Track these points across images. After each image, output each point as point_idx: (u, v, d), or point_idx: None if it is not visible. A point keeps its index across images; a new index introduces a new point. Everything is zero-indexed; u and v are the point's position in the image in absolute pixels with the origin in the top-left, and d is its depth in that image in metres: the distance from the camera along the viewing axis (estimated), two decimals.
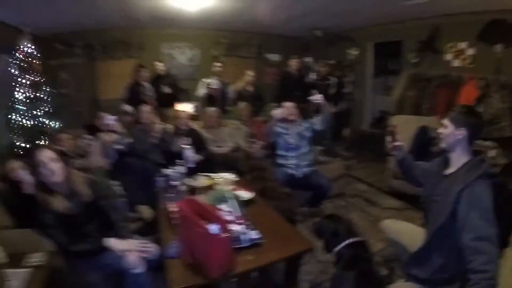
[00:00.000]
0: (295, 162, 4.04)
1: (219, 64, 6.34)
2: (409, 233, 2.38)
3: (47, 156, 2.30)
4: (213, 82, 6.08)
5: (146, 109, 4.56)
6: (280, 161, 4.14)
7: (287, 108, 4.10)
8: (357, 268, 2.04)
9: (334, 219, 2.37)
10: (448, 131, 1.94)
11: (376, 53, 8.03)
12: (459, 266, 1.75)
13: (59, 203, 2.25)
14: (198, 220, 1.85)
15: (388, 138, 2.34)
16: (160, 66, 6.29)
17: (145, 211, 3.37)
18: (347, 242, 2.16)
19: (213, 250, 1.81)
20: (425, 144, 4.47)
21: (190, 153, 3.76)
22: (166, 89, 6.15)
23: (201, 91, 6.10)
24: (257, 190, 3.17)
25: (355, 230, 2.31)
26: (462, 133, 1.89)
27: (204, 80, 6.20)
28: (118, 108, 5.66)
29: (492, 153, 4.30)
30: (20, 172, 2.80)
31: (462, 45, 5.68)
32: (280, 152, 4.16)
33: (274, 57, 9.13)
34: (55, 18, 6.02)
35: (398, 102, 6.56)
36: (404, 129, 4.87)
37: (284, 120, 4.10)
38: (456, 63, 5.82)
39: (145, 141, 4.25)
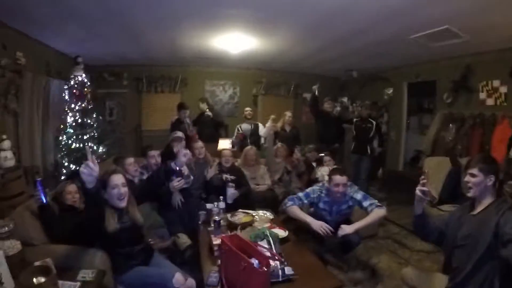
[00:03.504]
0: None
1: (249, 109, 6.73)
2: (428, 280, 2.45)
3: (120, 179, 2.48)
4: (244, 126, 6.48)
5: (199, 145, 4.74)
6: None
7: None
8: None
9: None
10: (478, 179, 2.12)
11: (411, 92, 8.08)
12: None
13: (112, 223, 2.41)
14: (241, 254, 2.04)
15: (421, 180, 2.33)
16: (204, 106, 6.52)
17: (185, 238, 3.49)
18: None
19: (254, 283, 1.98)
20: (456, 185, 4.48)
21: (232, 190, 3.97)
22: (208, 126, 6.40)
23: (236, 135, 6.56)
24: (291, 229, 3.29)
25: None
26: (491, 179, 2.09)
27: (238, 125, 6.65)
28: (162, 139, 5.94)
29: None
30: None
31: (495, 83, 5.67)
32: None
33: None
34: (107, 51, 6.48)
35: (432, 142, 6.56)
36: (437, 170, 4.97)
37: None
38: (490, 101, 5.78)
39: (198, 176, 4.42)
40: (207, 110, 6.37)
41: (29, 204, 2.99)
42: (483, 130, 5.63)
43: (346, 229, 3.23)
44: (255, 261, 2.01)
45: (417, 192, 2.29)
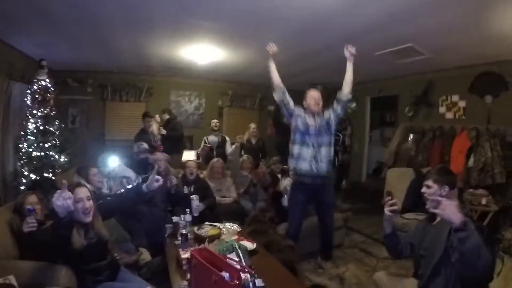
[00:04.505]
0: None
1: (215, 120, 6.77)
2: (401, 284, 2.52)
3: (85, 193, 2.39)
4: (211, 138, 6.50)
5: (162, 156, 4.69)
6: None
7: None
8: None
9: None
10: (433, 190, 2.27)
11: (374, 106, 8.41)
12: None
13: (77, 239, 2.31)
14: (212, 268, 2.03)
15: (386, 199, 2.42)
16: (165, 117, 6.59)
17: (146, 255, 3.49)
18: None
19: None
20: (419, 195, 4.65)
21: (196, 202, 3.94)
22: (172, 136, 6.36)
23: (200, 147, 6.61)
24: (261, 243, 3.27)
25: None
26: (445, 190, 2.24)
27: (205, 137, 6.65)
28: (125, 148, 5.92)
29: (483, 200, 4.59)
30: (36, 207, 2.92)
31: (454, 98, 6.02)
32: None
33: None
34: (72, 55, 6.28)
35: (394, 154, 6.78)
36: (399, 181, 5.15)
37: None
38: (449, 115, 6.13)
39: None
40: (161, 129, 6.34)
41: (4, 215, 2.91)
42: (442, 142, 5.92)
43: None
44: (226, 274, 2.00)
45: (386, 212, 2.36)
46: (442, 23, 3.91)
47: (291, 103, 3.91)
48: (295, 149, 3.84)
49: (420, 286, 2.27)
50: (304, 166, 3.74)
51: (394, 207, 2.34)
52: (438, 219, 2.27)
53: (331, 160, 3.87)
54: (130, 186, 3.21)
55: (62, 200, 1.97)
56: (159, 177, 2.94)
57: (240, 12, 3.97)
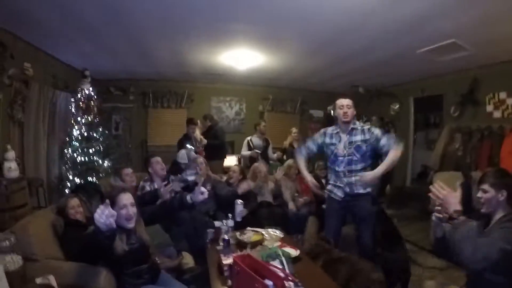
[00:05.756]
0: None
1: (264, 123, 6.54)
2: None
3: (129, 199, 2.39)
4: (256, 141, 6.30)
5: (200, 160, 4.70)
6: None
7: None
8: None
9: None
10: (490, 195, 2.08)
11: (417, 107, 8.07)
12: None
13: (119, 245, 2.30)
14: (255, 276, 1.97)
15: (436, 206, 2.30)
16: (207, 123, 6.56)
17: (188, 259, 3.44)
18: None
19: None
20: (468, 199, 4.46)
21: (240, 206, 3.89)
22: (214, 142, 6.34)
23: (244, 150, 6.32)
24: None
25: None
26: (503, 194, 2.03)
27: (248, 138, 6.38)
28: (168, 154, 5.87)
29: None
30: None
31: (502, 95, 5.64)
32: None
33: (318, 113, 9.31)
34: (114, 65, 6.50)
35: (440, 157, 6.51)
36: (447, 185, 4.88)
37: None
38: (497, 114, 5.75)
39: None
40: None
41: (48, 216, 2.98)
42: (491, 142, 5.60)
43: (366, 176, 3.16)
44: (269, 283, 1.94)
45: (433, 218, 2.27)
46: (486, 14, 3.66)
47: (315, 143, 3.60)
48: (328, 175, 3.70)
49: None
50: (337, 192, 3.49)
51: (439, 215, 2.24)
52: (490, 225, 2.11)
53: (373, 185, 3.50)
54: (173, 195, 3.23)
55: (105, 218, 1.94)
56: (205, 190, 2.94)
57: (275, 14, 3.92)
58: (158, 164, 4.11)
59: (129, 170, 4.30)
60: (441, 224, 2.26)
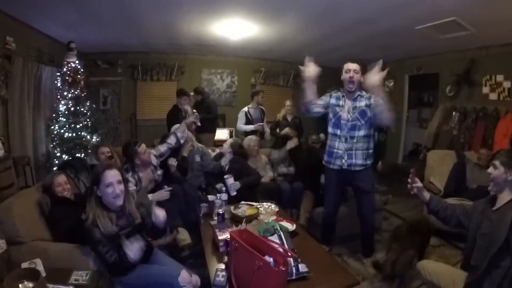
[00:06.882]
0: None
1: (262, 93, 6.30)
2: (449, 274, 2.33)
3: (115, 177, 2.21)
4: (254, 114, 6.07)
5: (190, 134, 4.49)
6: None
7: None
8: None
9: None
10: (498, 172, 2.07)
11: (412, 85, 8.06)
12: None
13: (109, 226, 2.15)
14: (255, 252, 1.87)
15: (409, 180, 2.41)
16: (198, 98, 6.29)
17: (185, 235, 3.37)
18: None
19: (270, 283, 1.81)
20: (462, 179, 4.50)
21: (231, 180, 3.76)
22: (208, 116, 6.09)
23: (241, 123, 6.00)
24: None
25: None
26: (511, 175, 2.03)
27: (244, 109, 6.07)
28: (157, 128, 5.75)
29: None
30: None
31: (499, 77, 5.65)
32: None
33: None
34: (101, 36, 6.25)
35: (434, 136, 6.54)
36: (440, 164, 4.91)
37: None
38: (493, 96, 5.77)
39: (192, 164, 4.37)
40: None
41: (33, 195, 2.85)
42: (485, 124, 5.66)
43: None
44: (270, 259, 1.84)
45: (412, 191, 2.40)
46: None
47: (322, 101, 3.50)
48: (328, 140, 3.58)
49: (473, 279, 2.04)
50: (336, 161, 3.43)
51: (417, 184, 2.38)
52: (498, 204, 2.09)
53: (370, 153, 3.44)
54: None
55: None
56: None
57: None
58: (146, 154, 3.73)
59: (105, 149, 4.06)
60: (422, 194, 2.43)
